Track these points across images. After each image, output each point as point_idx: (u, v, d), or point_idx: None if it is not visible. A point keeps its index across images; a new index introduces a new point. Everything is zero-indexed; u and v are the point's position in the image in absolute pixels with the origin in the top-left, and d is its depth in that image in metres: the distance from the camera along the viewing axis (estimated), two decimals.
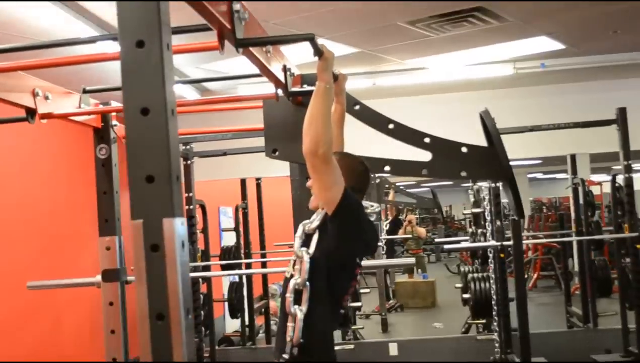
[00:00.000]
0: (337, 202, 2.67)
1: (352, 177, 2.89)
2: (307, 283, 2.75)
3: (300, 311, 2.73)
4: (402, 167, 3.46)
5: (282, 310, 2.87)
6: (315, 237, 2.80)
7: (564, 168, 12.71)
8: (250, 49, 2.44)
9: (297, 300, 2.75)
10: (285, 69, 3.01)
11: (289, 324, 2.75)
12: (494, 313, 6.47)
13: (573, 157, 8.14)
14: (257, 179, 8.21)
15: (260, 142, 5.69)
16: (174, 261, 1.61)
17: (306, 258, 2.76)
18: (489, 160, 3.43)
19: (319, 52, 2.62)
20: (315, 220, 2.86)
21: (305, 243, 2.83)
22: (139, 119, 1.61)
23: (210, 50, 2.34)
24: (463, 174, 3.43)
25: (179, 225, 1.62)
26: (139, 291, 1.62)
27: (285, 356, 2.75)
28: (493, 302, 6.46)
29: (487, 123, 3.45)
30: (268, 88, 3.65)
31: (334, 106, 2.97)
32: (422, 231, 13.80)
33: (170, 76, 1.64)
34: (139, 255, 1.62)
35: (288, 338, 2.74)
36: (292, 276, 2.80)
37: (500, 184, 3.91)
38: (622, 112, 5.98)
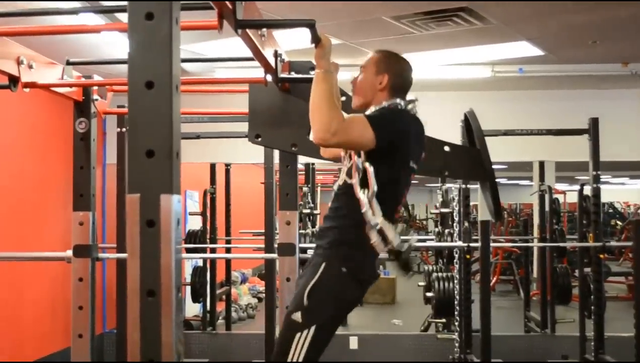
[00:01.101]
0: (374, 140, 2.71)
1: (396, 76, 2.96)
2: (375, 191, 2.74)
3: (375, 219, 2.71)
4: None
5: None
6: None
7: (528, 174, 12.83)
8: (247, 31, 2.43)
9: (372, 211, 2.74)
10: (276, 55, 3.01)
11: (372, 239, 2.72)
12: (455, 313, 6.53)
13: (542, 164, 8.23)
14: (227, 165, 8.17)
15: (234, 127, 5.70)
16: (169, 238, 1.60)
17: (371, 169, 2.74)
18: (471, 161, 3.45)
19: (317, 39, 2.61)
20: None
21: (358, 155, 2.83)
22: (143, 92, 1.59)
23: (208, 29, 2.32)
24: (445, 172, 3.45)
25: (176, 202, 1.61)
26: (131, 266, 1.60)
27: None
28: (455, 302, 6.51)
29: (472, 123, 3.47)
30: (247, 73, 3.64)
31: None
32: None
33: (176, 51, 1.62)
34: (134, 230, 1.60)
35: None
36: (344, 182, 2.86)
37: (477, 185, 3.93)
38: (595, 122, 6.05)
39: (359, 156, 2.79)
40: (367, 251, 2.86)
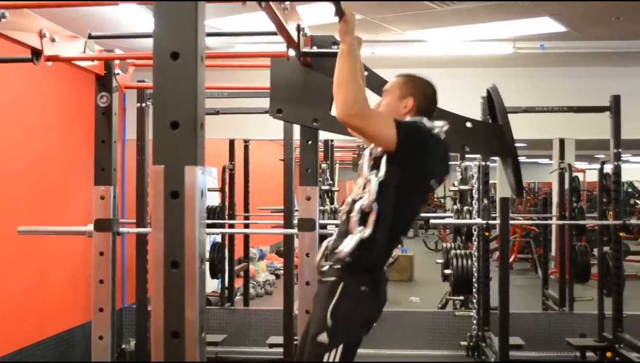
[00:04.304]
0: (395, 143, 2.70)
1: (421, 99, 2.95)
2: (374, 205, 2.74)
3: (360, 232, 2.73)
4: None
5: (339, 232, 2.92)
6: (384, 160, 2.78)
7: (547, 153, 12.76)
8: (271, 4, 2.42)
9: (362, 221, 2.75)
10: (299, 28, 2.99)
11: (346, 239, 2.76)
12: (473, 290, 6.52)
13: (562, 141, 8.17)
14: (246, 141, 8.16)
15: (253, 102, 5.69)
16: (193, 210, 1.59)
17: (374, 181, 2.75)
18: (493, 137, 3.43)
19: (341, 13, 2.58)
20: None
21: (375, 166, 2.81)
22: (168, 64, 1.58)
23: (233, 1, 2.31)
24: (466, 148, 3.43)
25: (200, 174, 1.60)
26: (155, 237, 1.60)
27: (326, 267, 2.85)
28: (474, 280, 6.51)
29: (494, 99, 3.44)
30: (266, 49, 3.62)
31: None
32: None
33: (202, 22, 1.61)
34: (158, 201, 1.60)
35: (337, 251, 2.78)
36: (360, 198, 2.81)
37: (498, 161, 3.92)
38: (617, 99, 6.00)
39: (376, 175, 2.76)
40: (383, 269, 2.88)
